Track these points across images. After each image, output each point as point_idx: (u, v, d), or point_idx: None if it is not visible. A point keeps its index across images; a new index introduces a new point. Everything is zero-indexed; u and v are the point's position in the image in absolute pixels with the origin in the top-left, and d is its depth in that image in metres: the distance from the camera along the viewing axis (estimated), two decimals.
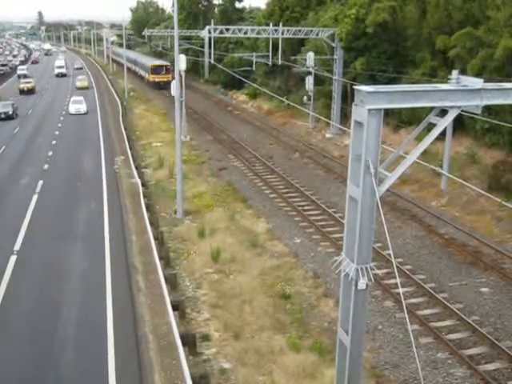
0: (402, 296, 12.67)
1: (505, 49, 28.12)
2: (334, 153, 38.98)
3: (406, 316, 12.04)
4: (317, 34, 43.92)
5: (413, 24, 36.75)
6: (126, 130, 43.72)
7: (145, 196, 27.13)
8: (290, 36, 46.53)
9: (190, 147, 40.71)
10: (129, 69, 78.58)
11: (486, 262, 21.27)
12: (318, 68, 44.48)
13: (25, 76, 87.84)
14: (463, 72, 25.76)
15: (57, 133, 45.64)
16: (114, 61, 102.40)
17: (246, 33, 49.68)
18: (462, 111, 9.33)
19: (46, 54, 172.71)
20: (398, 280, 14.72)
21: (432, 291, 18.88)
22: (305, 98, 46.31)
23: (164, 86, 65.23)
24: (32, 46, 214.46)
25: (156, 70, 72.59)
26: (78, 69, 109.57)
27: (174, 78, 28.23)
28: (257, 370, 14.75)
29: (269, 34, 48.15)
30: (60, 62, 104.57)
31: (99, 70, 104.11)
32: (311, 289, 19.46)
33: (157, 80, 70.55)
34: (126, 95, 65.96)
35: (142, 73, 72.46)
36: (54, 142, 41.86)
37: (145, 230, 22.93)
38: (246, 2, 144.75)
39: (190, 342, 15.06)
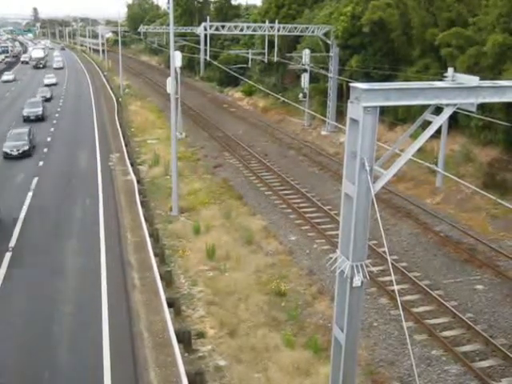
0: (397, 293, 12.72)
1: (494, 44, 28.14)
2: (329, 150, 38.97)
3: (401, 313, 12.08)
4: (312, 32, 43.89)
5: (403, 22, 36.77)
6: (121, 127, 43.60)
7: (140, 193, 27.10)
8: (286, 33, 46.50)
9: (186, 144, 40.65)
10: (90, 48, 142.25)
11: (481, 259, 21.32)
12: (314, 65, 44.46)
13: None
14: (455, 69, 25.80)
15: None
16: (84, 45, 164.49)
17: (241, 30, 49.54)
18: (457, 109, 9.34)
19: (36, 67, 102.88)
20: (393, 277, 14.75)
21: (427, 288, 18.92)
22: (300, 95, 46.25)
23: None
24: (31, 49, 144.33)
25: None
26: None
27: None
28: (252, 367, 14.76)
29: (264, 31, 48.09)
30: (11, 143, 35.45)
31: (94, 67, 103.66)
32: (306, 286, 19.47)
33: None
34: (122, 92, 65.82)
35: (93, 47, 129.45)
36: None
37: (140, 227, 22.92)
38: None
39: (185, 339, 15.07)
